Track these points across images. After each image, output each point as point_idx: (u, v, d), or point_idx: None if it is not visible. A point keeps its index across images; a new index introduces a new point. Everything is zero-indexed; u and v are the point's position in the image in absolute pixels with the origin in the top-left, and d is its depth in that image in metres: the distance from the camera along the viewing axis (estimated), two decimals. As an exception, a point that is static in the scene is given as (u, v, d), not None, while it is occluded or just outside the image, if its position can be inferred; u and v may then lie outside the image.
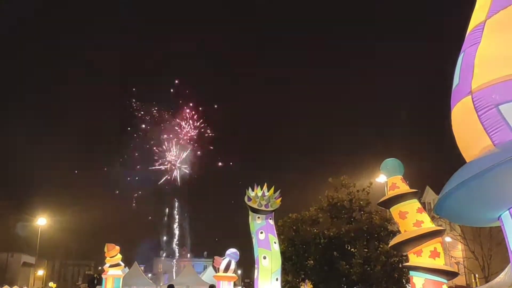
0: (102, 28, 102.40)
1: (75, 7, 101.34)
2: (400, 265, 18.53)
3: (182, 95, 59.99)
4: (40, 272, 58.28)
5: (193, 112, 59.02)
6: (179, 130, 58.66)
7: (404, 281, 19.12)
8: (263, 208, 9.41)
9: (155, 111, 57.55)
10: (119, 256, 14.91)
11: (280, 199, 9.69)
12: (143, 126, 56.92)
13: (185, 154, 56.17)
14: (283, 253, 10.39)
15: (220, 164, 58.77)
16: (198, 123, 58.67)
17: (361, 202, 21.25)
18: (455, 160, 4.60)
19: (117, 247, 14.87)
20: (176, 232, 58.22)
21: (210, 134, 57.07)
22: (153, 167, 54.55)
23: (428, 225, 6.43)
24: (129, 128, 56.83)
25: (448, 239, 32.95)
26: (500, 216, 3.95)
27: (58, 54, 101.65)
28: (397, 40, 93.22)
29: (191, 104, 58.28)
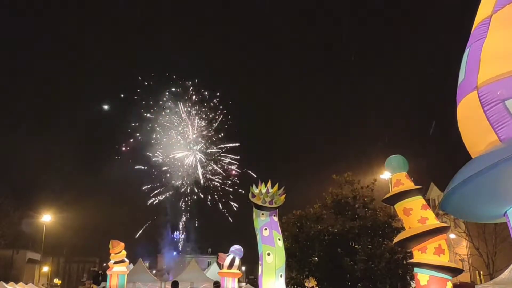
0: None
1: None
2: (405, 262, 18.49)
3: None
4: (45, 269, 58.66)
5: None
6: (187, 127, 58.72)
7: (408, 277, 19.09)
8: (267, 204, 9.41)
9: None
10: (124, 252, 14.98)
11: (284, 195, 9.67)
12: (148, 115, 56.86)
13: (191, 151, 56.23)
14: (287, 250, 10.38)
15: (226, 161, 58.79)
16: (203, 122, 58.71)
17: (365, 199, 21.20)
18: (460, 156, 4.57)
19: (122, 244, 14.94)
20: (181, 228, 58.49)
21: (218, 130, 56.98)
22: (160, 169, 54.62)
23: (432, 221, 6.40)
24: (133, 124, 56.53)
25: (452, 236, 32.92)
26: (506, 212, 3.93)
27: (60, 49, 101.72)
28: (399, 34, 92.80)
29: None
